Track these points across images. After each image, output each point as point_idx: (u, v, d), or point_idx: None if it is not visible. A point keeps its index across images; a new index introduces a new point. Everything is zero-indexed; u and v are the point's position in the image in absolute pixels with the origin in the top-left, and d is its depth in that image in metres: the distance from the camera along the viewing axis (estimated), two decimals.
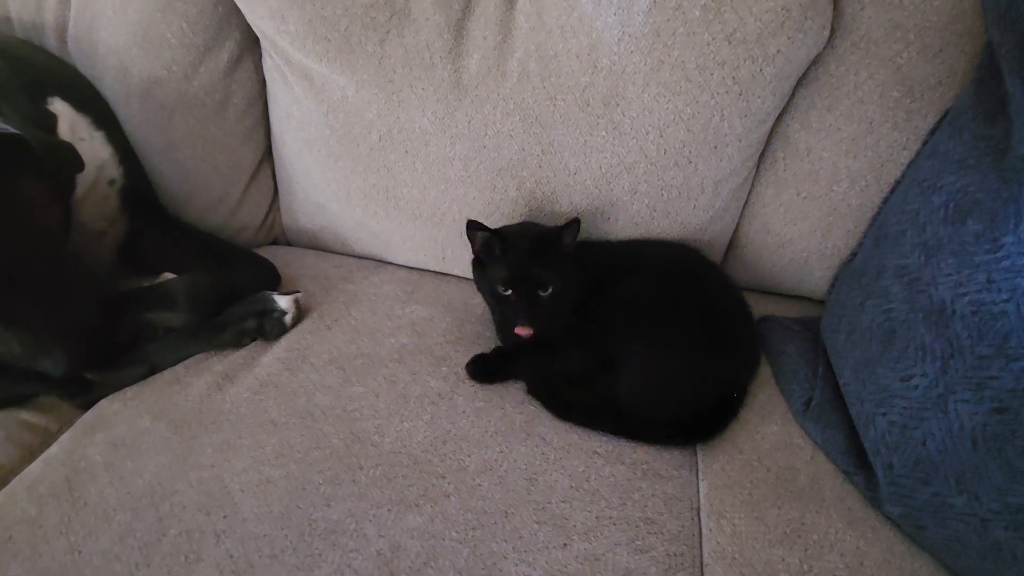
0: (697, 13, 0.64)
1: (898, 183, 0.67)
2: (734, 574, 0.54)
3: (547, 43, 0.69)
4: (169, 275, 0.82)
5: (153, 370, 0.74)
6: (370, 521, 0.57)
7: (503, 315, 0.72)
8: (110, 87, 0.80)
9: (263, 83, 0.85)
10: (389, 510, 0.58)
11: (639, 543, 0.56)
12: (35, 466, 0.64)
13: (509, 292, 0.67)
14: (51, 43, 0.81)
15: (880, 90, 0.66)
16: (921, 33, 0.63)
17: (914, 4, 0.62)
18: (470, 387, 0.71)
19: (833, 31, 0.65)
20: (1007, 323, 0.47)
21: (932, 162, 0.60)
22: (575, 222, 0.67)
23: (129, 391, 0.71)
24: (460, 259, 0.85)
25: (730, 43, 0.64)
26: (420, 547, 0.55)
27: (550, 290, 0.67)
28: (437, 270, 0.88)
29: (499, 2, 0.71)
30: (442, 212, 0.80)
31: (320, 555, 0.55)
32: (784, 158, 0.74)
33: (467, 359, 0.73)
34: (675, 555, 0.56)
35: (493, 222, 0.76)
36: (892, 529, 0.56)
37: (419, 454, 0.63)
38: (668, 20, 0.64)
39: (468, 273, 0.86)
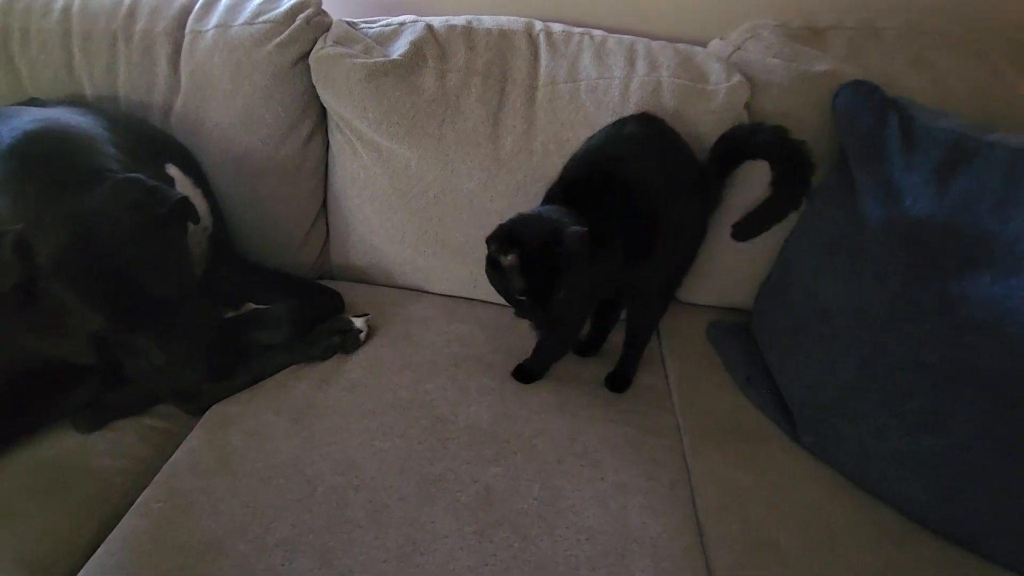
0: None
1: (794, 230, 1.00)
2: (712, 488, 0.82)
3: (561, 131, 0.97)
4: (252, 304, 1.01)
5: (255, 380, 0.92)
6: (465, 472, 0.79)
7: (518, 310, 0.79)
8: (210, 154, 0.99)
9: (327, 150, 1.07)
10: (476, 465, 0.81)
11: (649, 475, 0.82)
12: (180, 455, 0.81)
13: (524, 297, 0.75)
14: (156, 118, 0.99)
15: None
16: (804, 136, 0.97)
17: (800, 118, 0.96)
18: (513, 383, 0.95)
19: None
20: (860, 316, 0.79)
21: (813, 218, 0.93)
22: (583, 233, 0.69)
23: (240, 396, 0.89)
24: (487, 287, 1.09)
25: None
26: (504, 485, 0.78)
27: (561, 293, 0.74)
28: (467, 296, 1.12)
29: (524, 101, 0.99)
30: (479, 251, 1.04)
31: (435, 496, 0.76)
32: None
33: (506, 362, 0.97)
34: (674, 481, 0.82)
35: None
36: (808, 453, 0.86)
37: (487, 427, 0.86)
38: None
39: (494, 297, 1.11)
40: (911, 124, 0.84)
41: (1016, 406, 0.66)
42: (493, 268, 0.76)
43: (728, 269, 1.09)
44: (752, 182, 0.93)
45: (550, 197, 0.84)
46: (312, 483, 0.76)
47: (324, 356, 0.95)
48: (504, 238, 0.73)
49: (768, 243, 1.04)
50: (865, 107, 0.87)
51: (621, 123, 0.90)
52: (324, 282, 1.13)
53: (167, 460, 0.81)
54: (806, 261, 0.91)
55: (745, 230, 0.90)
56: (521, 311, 0.79)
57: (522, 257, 0.72)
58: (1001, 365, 0.67)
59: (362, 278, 1.16)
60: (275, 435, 0.82)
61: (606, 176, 0.83)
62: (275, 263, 1.10)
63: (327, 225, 1.14)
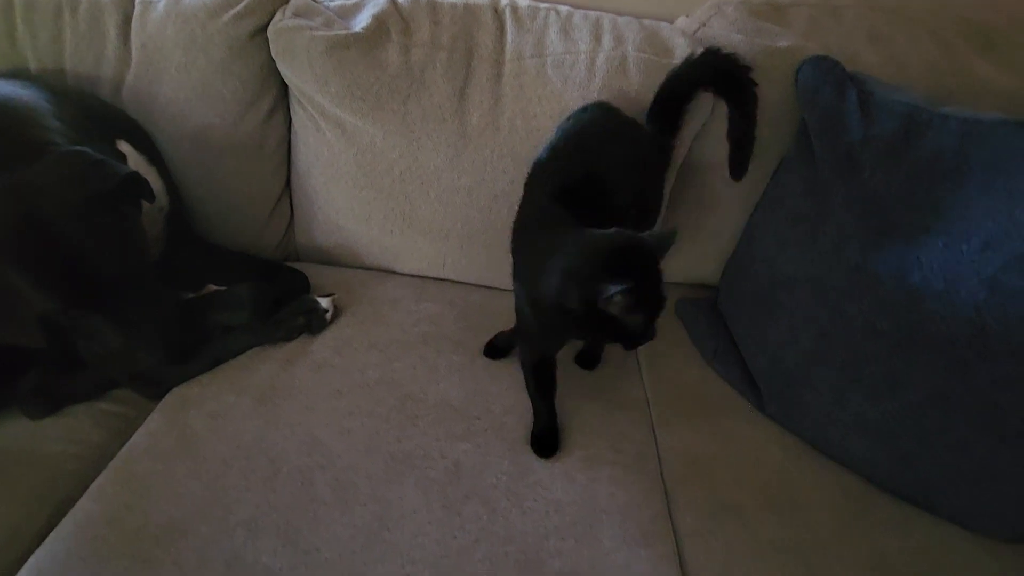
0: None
1: (758, 204, 1.01)
2: (678, 458, 0.83)
3: (528, 107, 0.96)
4: (213, 286, 0.98)
5: (217, 362, 0.89)
6: (433, 449, 0.79)
7: (624, 344, 0.68)
8: (165, 131, 0.96)
9: (290, 128, 1.05)
10: (445, 441, 0.80)
11: (617, 448, 0.83)
12: (138, 439, 0.78)
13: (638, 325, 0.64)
14: (106, 93, 0.95)
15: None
16: (767, 112, 0.98)
17: (762, 93, 0.97)
18: (483, 360, 0.94)
19: None
20: (820, 285, 0.81)
21: (776, 191, 0.95)
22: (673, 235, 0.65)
23: (201, 379, 0.87)
24: (456, 266, 1.09)
25: None
26: (473, 461, 0.78)
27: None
28: (436, 276, 1.11)
29: (490, 76, 0.97)
30: (447, 229, 1.04)
31: (403, 472, 0.76)
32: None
33: (476, 340, 0.96)
34: (641, 453, 0.83)
35: (489, 237, 1.02)
36: (772, 422, 0.88)
37: (456, 405, 0.86)
38: (615, 97, 0.94)
39: (464, 277, 1.11)
40: (869, 98, 0.85)
41: (966, 370, 0.69)
42: (595, 319, 0.63)
43: (695, 246, 1.10)
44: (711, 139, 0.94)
45: (537, 208, 0.79)
46: (276, 463, 0.75)
47: (289, 337, 0.93)
48: (611, 275, 0.60)
49: (734, 218, 1.06)
50: (826, 82, 0.89)
51: (579, 117, 0.86)
52: (290, 264, 1.10)
53: (124, 445, 0.78)
54: (769, 234, 0.93)
55: (735, 167, 0.88)
56: (638, 340, 0.67)
57: (635, 288, 0.59)
58: (951, 330, 0.69)
59: (329, 259, 1.13)
60: (238, 416, 0.80)
61: (585, 175, 0.79)
62: (238, 245, 1.07)
63: (291, 205, 1.12)
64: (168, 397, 0.85)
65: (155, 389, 0.86)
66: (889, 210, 0.76)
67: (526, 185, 0.84)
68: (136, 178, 0.77)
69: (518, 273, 0.79)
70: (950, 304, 0.69)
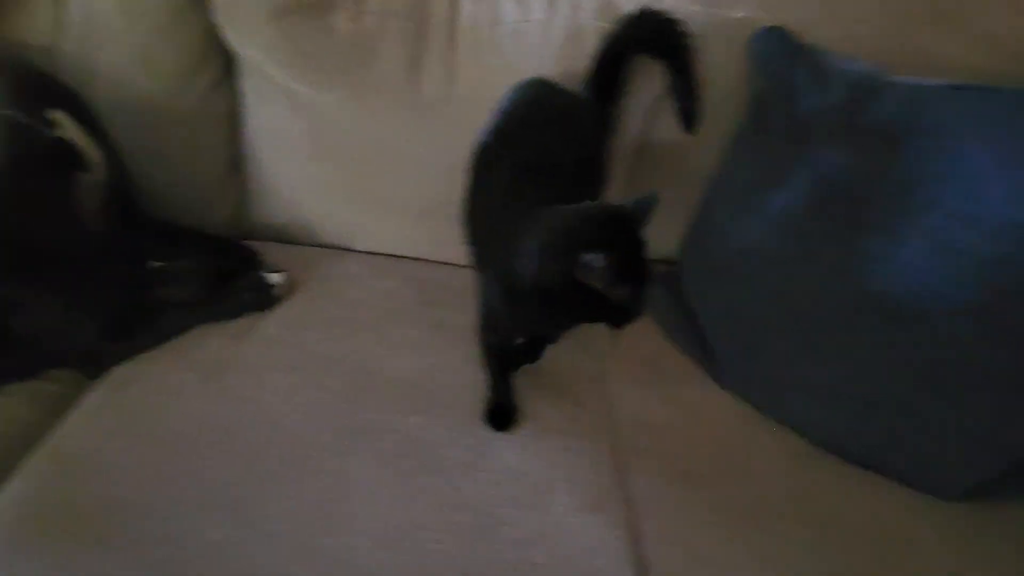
0: None
1: (714, 177, 1.01)
2: (633, 427, 0.83)
3: (484, 77, 0.94)
4: (157, 264, 0.94)
5: (161, 340, 0.86)
6: (387, 423, 0.77)
7: (610, 323, 0.63)
8: (104, 100, 0.91)
9: (238, 99, 1.01)
10: (399, 415, 0.78)
11: (572, 418, 0.82)
12: (76, 417, 0.75)
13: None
14: (40, 60, 0.90)
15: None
16: (722, 83, 0.98)
17: (718, 64, 0.97)
18: (440, 335, 0.93)
19: None
20: (771, 252, 0.81)
21: (730, 162, 0.94)
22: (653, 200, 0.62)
23: (144, 357, 0.84)
24: (415, 242, 1.07)
25: None
26: (427, 434, 0.77)
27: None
28: (396, 253, 1.09)
29: (445, 45, 0.95)
30: (403, 204, 1.02)
31: (355, 446, 0.74)
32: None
33: (434, 315, 0.94)
34: (596, 423, 0.83)
35: (448, 211, 0.99)
36: (728, 392, 0.88)
37: (412, 379, 0.84)
38: (571, 65, 0.92)
39: (424, 253, 1.09)
40: (820, 68, 0.85)
41: (909, 330, 0.70)
42: (577, 296, 0.58)
43: (658, 220, 1.10)
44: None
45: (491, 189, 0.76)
46: (224, 438, 0.73)
47: (237, 314, 0.90)
48: (588, 244, 0.57)
49: (695, 192, 1.06)
50: (779, 52, 0.89)
51: (518, 95, 0.84)
52: (245, 242, 1.07)
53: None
54: (724, 205, 0.93)
55: (686, 121, 0.88)
56: (626, 316, 0.61)
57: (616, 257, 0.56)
58: (896, 291, 0.70)
59: (284, 237, 1.10)
60: (183, 393, 0.78)
61: (534, 153, 0.76)
62: (187, 221, 1.03)
63: (244, 181, 1.08)
64: (109, 375, 0.82)
65: (95, 368, 0.83)
66: (837, 176, 0.77)
67: (472, 169, 0.81)
68: (63, 145, 0.74)
69: (483, 263, 0.77)
70: (894, 265, 0.70)
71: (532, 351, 0.89)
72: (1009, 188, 0.63)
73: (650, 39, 0.84)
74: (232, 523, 0.64)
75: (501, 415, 0.81)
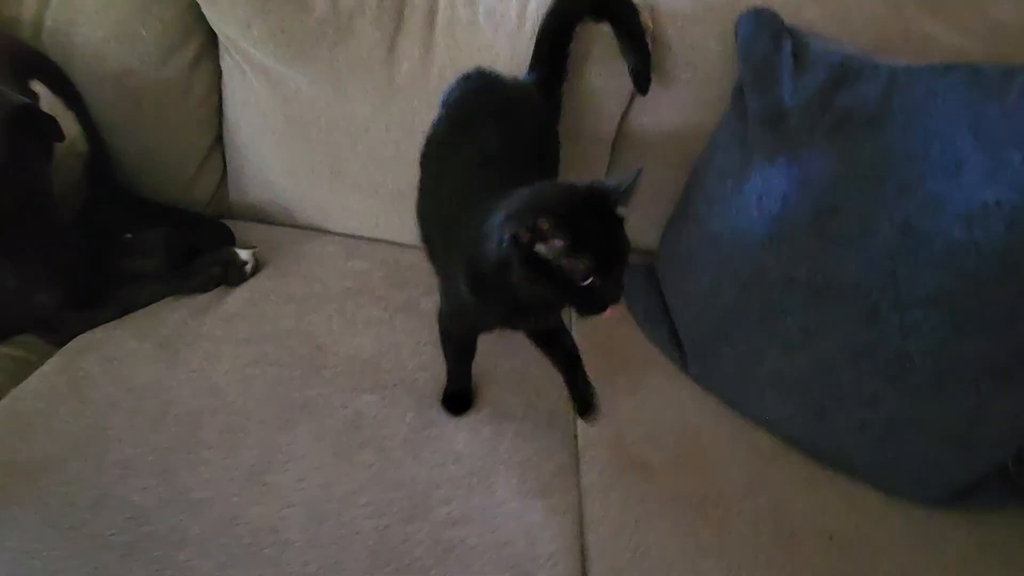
0: None
1: (694, 165, 0.98)
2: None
3: (459, 57, 0.93)
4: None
5: (126, 310, 0.86)
6: (336, 399, 0.76)
7: (579, 308, 0.57)
8: (83, 73, 0.92)
9: (219, 78, 1.02)
10: (349, 392, 0.77)
11: (529, 404, 0.80)
12: (32, 380, 0.76)
13: (590, 280, 0.54)
14: (25, 34, 0.92)
15: (685, 106, 0.97)
16: (709, 68, 0.95)
17: (704, 47, 0.94)
18: (403, 317, 0.91)
19: None
20: (743, 239, 0.78)
21: (710, 148, 0.91)
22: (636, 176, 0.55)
23: (107, 326, 0.84)
24: (389, 225, 1.06)
25: None
26: (376, 412, 0.75)
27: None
28: (371, 236, 1.08)
29: (423, 24, 0.94)
30: (376, 185, 1.01)
31: (299, 420, 0.73)
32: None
33: (400, 296, 0.93)
34: (553, 410, 0.81)
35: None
36: (693, 383, 0.85)
37: (368, 358, 0.83)
38: None
39: (398, 237, 1.07)
40: (804, 49, 0.82)
41: (877, 319, 0.66)
42: (538, 274, 0.54)
43: (638, 210, 1.07)
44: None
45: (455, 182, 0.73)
46: (166, 406, 0.72)
47: (204, 288, 0.90)
48: (533, 214, 0.52)
49: (676, 183, 1.03)
50: (763, 33, 0.85)
51: (463, 88, 0.83)
52: (222, 221, 1.07)
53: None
54: (701, 192, 0.90)
55: (638, 82, 0.88)
56: (597, 301, 0.56)
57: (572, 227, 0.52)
58: (864, 278, 0.66)
59: (262, 217, 1.10)
60: (136, 361, 0.78)
61: (487, 144, 0.73)
62: (165, 198, 1.04)
63: (224, 161, 1.09)
64: (72, 343, 0.82)
65: (58, 335, 0.83)
66: (811, 159, 0.73)
67: (423, 165, 0.81)
68: (32, 110, 0.75)
69: (444, 258, 0.74)
70: (864, 251, 0.66)
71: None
72: (985, 168, 0.59)
73: (595, 6, 0.84)
74: (157, 488, 0.63)
75: (457, 400, 0.79)
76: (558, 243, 0.52)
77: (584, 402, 0.73)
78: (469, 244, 0.61)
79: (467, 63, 0.93)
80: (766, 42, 0.85)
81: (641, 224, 1.08)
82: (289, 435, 0.71)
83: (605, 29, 0.89)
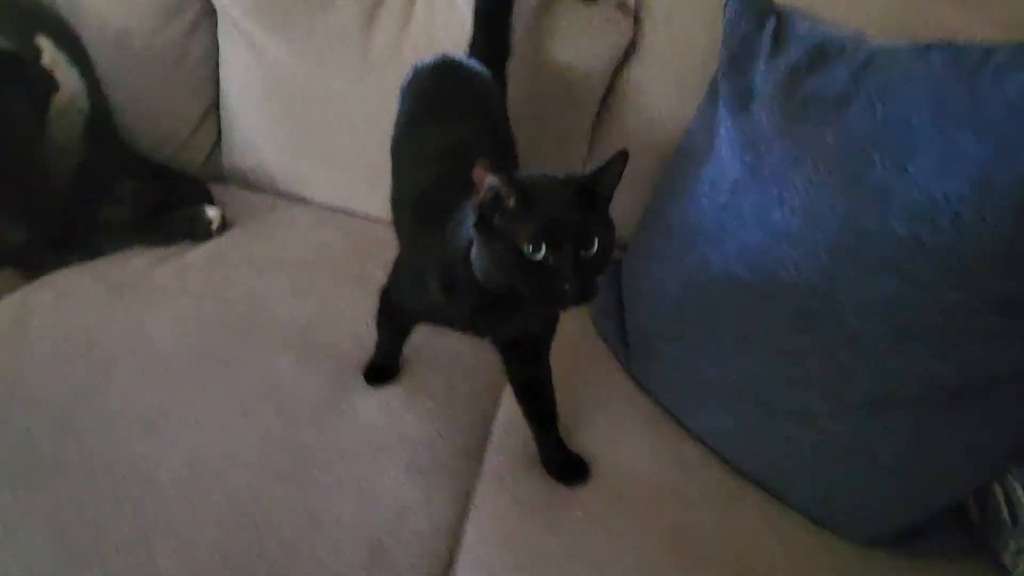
0: None
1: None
2: (516, 408, 0.75)
3: (434, 33, 0.92)
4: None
5: (96, 255, 0.90)
6: (256, 361, 0.76)
7: (531, 292, 0.49)
8: (89, 33, 0.99)
9: (215, 47, 1.06)
10: (272, 357, 0.76)
11: (451, 385, 0.77)
12: None
13: (543, 254, 0.48)
14: None
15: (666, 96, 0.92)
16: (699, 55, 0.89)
17: (691, 36, 0.88)
18: (357, 286, 0.89)
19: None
20: (690, 230, 0.72)
21: (685, 137, 0.85)
22: (623, 155, 0.51)
23: (75, 267, 0.88)
24: (363, 198, 1.06)
25: None
26: (293, 377, 0.75)
27: (596, 246, 0.50)
28: (346, 208, 1.08)
29: (404, 1, 0.94)
30: (350, 159, 1.01)
31: (212, 377, 0.73)
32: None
33: (358, 269, 0.91)
34: (476, 393, 0.78)
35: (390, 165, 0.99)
36: (633, 384, 0.79)
37: (302, 325, 0.82)
38: None
39: (373, 211, 1.07)
40: (787, 29, 0.75)
41: (812, 324, 0.58)
42: (485, 230, 0.50)
43: (619, 202, 1.02)
44: None
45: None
46: (90, 345, 0.74)
47: (168, 240, 0.93)
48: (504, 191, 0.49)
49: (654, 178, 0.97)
50: (748, 14, 0.79)
51: (425, 76, 0.81)
52: (214, 185, 1.11)
53: None
54: (667, 182, 0.84)
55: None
56: (543, 286, 0.49)
57: (530, 195, 0.49)
58: (803, 278, 0.58)
59: (250, 183, 1.13)
60: (83, 300, 0.81)
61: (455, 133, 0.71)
62: (159, 159, 1.08)
63: (218, 127, 1.13)
64: (42, 278, 0.87)
65: (31, 269, 0.88)
66: (766, 145, 0.66)
67: (394, 156, 0.79)
68: (15, 58, 0.80)
69: (411, 247, 0.72)
70: (804, 247, 0.58)
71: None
72: (942, 155, 0.51)
73: None
74: (52, 419, 0.65)
75: (379, 372, 0.77)
76: (511, 204, 0.49)
77: (557, 464, 0.68)
78: (446, 230, 0.58)
79: (440, 39, 0.92)
80: (750, 22, 0.78)
81: (625, 216, 1.03)
82: (199, 392, 0.71)
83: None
